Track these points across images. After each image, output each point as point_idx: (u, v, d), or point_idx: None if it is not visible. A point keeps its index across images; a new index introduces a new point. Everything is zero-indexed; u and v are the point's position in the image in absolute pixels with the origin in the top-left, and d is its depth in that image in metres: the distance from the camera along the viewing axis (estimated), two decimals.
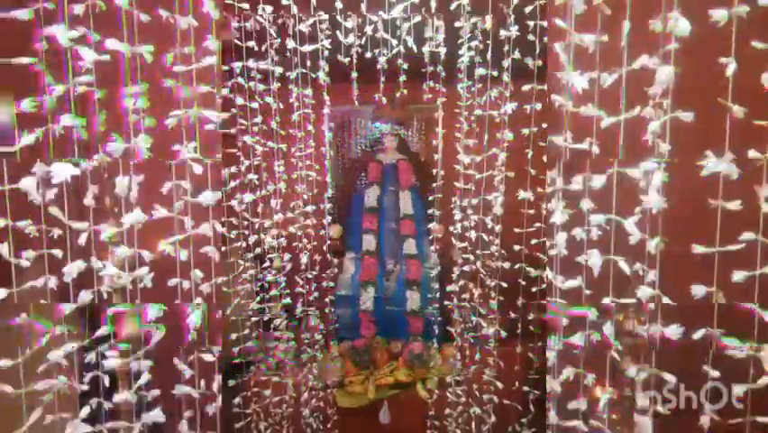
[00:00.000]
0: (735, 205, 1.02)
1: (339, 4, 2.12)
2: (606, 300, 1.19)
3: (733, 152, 1.00)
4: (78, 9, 1.10)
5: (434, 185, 2.68)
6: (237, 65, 2.16)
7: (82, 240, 1.16)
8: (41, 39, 1.08)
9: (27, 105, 1.07)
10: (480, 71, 2.19)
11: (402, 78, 2.37)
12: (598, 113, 1.13)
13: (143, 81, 1.17)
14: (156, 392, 1.24)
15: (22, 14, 1.08)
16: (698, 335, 1.07)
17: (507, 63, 2.12)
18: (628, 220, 1.12)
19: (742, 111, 1.00)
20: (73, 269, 1.12)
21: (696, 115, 1.02)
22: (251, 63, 2.19)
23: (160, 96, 1.21)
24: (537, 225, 2.19)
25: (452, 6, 2.03)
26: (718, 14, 0.99)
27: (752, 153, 1.01)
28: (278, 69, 2.26)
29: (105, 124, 1.16)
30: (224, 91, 2.15)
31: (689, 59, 1.03)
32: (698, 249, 1.06)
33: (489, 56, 2.16)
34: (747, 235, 1.03)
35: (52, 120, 1.09)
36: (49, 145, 1.10)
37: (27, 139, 1.07)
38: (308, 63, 2.27)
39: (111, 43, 1.11)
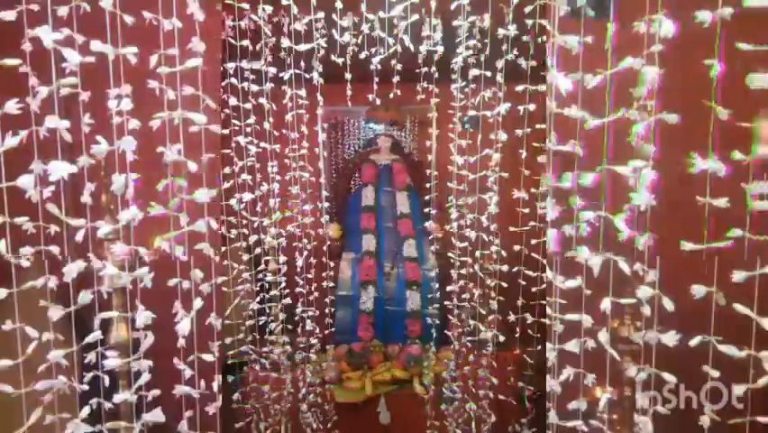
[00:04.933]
0: (721, 202, 1.03)
1: (339, 4, 2.11)
2: (606, 300, 1.19)
3: (718, 153, 1.01)
4: (63, 11, 1.08)
5: (428, 185, 2.67)
6: (230, 65, 2.14)
7: (79, 237, 1.15)
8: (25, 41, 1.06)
9: (11, 106, 1.05)
10: (474, 72, 2.19)
11: (396, 78, 2.36)
12: (581, 114, 1.13)
13: (129, 83, 1.15)
14: (156, 392, 1.23)
15: (8, 15, 1.07)
16: (694, 342, 1.08)
17: (500, 64, 2.12)
18: (617, 217, 1.12)
19: (726, 113, 1.01)
20: (73, 269, 1.11)
21: (682, 116, 1.03)
22: (244, 64, 2.17)
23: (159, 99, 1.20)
24: (532, 223, 2.19)
25: (453, 6, 2.03)
26: (703, 16, 0.99)
27: (737, 155, 1.02)
28: (272, 70, 2.24)
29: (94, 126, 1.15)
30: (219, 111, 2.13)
31: (674, 60, 1.04)
32: (686, 246, 1.06)
33: (483, 56, 2.15)
34: (736, 233, 1.03)
35: (37, 122, 1.07)
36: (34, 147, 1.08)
37: (11, 141, 1.05)
38: (302, 64, 2.25)
39: (95, 45, 1.08)
